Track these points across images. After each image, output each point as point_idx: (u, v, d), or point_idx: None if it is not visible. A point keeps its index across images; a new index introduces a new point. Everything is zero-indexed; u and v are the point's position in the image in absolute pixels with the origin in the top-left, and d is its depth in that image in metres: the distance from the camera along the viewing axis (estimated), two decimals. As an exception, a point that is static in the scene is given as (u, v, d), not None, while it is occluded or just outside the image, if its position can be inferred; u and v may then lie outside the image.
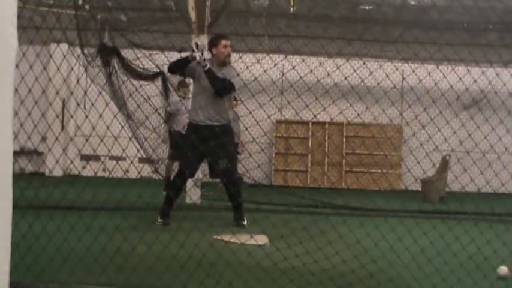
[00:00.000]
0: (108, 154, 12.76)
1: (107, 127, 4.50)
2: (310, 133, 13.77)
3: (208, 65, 6.20)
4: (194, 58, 6.15)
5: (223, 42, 6.42)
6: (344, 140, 13.77)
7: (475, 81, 5.76)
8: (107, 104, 5.55)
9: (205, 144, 6.15)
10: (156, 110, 7.77)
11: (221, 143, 6.14)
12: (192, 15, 6.44)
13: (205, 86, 6.31)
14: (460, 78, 5.53)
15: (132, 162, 11.10)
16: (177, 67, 6.40)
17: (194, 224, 5.74)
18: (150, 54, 7.48)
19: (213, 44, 6.49)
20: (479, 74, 5.78)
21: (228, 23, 10.30)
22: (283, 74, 9.27)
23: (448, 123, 5.65)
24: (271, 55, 10.49)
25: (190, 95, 7.80)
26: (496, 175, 6.30)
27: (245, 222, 6.49)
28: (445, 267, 4.32)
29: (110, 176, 11.91)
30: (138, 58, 7.22)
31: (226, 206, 7.43)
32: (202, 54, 6.17)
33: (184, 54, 6.42)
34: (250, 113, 5.13)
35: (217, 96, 6.30)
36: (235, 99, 11.73)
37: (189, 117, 6.76)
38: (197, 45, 6.14)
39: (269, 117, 10.66)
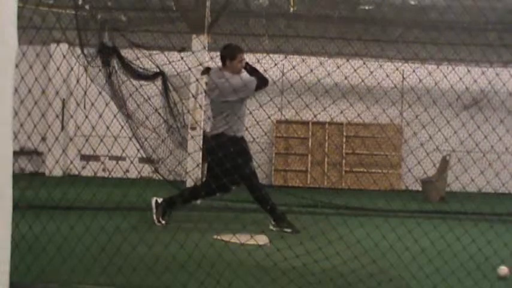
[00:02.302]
0: (108, 154, 12.77)
1: (107, 127, 4.49)
2: (310, 133, 13.76)
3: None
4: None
5: (240, 56, 6.32)
6: (344, 140, 13.77)
7: (475, 81, 5.75)
8: (106, 104, 5.53)
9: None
10: (156, 109, 7.75)
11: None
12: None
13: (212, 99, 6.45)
14: (460, 78, 5.52)
15: (132, 162, 11.09)
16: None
17: (194, 224, 5.74)
18: (150, 54, 7.47)
19: (230, 56, 6.30)
20: (479, 74, 5.76)
21: (228, 23, 10.30)
22: (283, 74, 9.25)
23: (448, 123, 5.64)
24: (271, 55, 10.47)
25: None
26: (497, 175, 6.30)
27: (289, 230, 6.12)
28: (445, 268, 4.32)
29: (110, 176, 11.90)
30: (138, 58, 7.21)
31: (226, 206, 7.43)
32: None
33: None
34: (250, 113, 5.13)
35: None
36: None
37: None
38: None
39: (269, 117, 10.65)
